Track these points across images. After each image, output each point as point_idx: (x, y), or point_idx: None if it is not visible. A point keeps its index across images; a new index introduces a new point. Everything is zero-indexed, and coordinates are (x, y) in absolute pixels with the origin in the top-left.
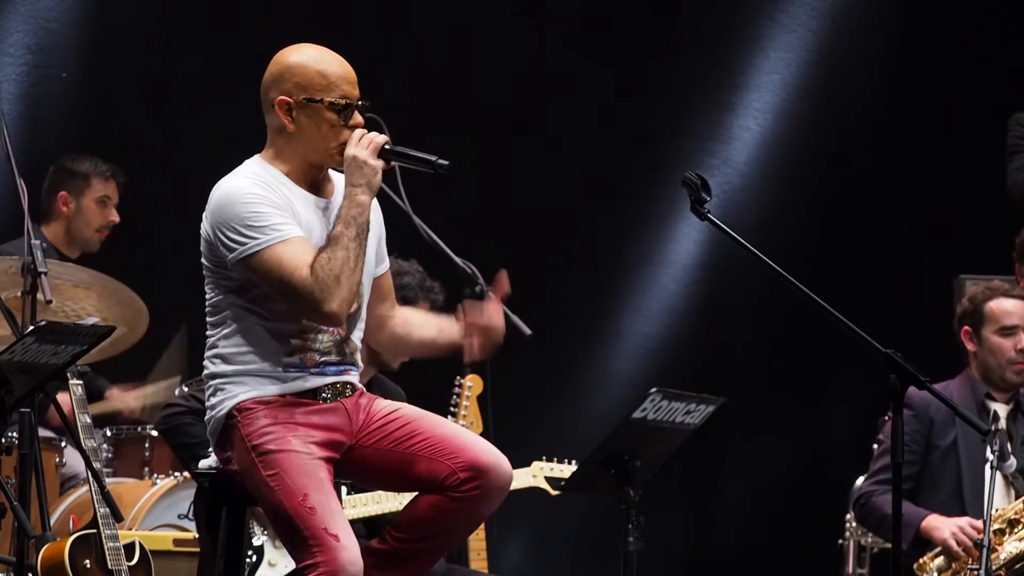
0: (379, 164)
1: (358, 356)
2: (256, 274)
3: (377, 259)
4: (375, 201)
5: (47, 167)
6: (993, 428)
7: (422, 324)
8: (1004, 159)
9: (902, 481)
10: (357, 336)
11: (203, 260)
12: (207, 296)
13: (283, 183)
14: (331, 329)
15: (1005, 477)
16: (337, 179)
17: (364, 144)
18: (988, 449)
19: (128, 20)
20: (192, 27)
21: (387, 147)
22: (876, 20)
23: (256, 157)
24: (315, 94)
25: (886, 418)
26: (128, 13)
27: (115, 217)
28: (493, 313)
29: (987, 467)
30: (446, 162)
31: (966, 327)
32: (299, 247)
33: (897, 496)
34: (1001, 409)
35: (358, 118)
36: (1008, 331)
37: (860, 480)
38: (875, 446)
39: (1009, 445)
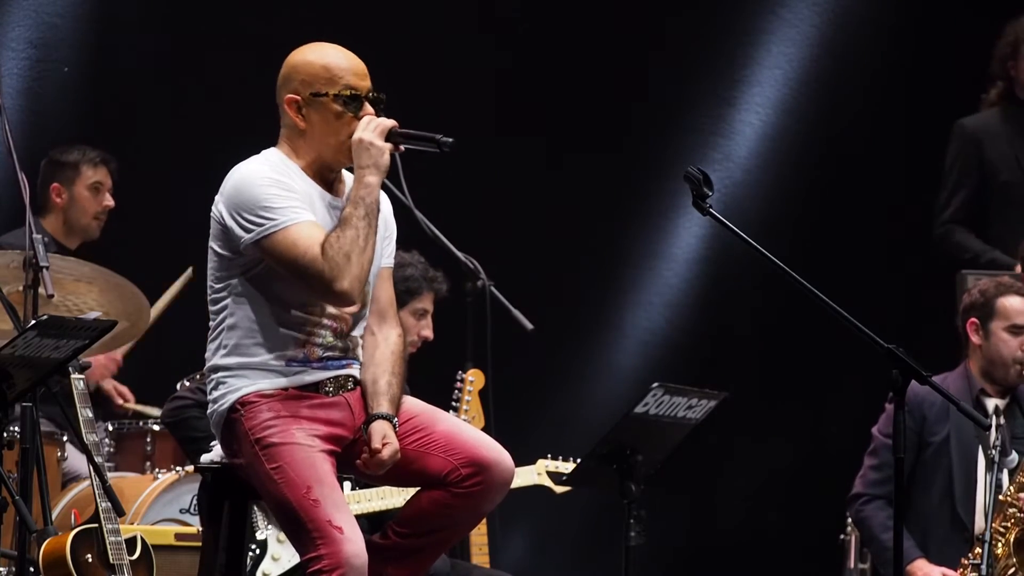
0: (386, 146)
1: (360, 351)
2: (270, 256)
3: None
4: (387, 203)
5: None
6: (993, 423)
7: (374, 364)
8: (943, 172)
9: (891, 478)
10: (359, 331)
11: (211, 246)
12: (210, 288)
13: (299, 175)
14: (333, 323)
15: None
16: (349, 179)
17: (371, 128)
18: (989, 444)
19: (130, 14)
20: (194, 20)
21: (394, 130)
22: (877, 15)
23: (273, 149)
24: (320, 88)
25: (887, 404)
26: (130, 7)
27: (110, 202)
28: (384, 451)
29: (979, 462)
30: (450, 139)
31: (973, 319)
32: (311, 229)
33: (899, 492)
34: (997, 404)
35: (368, 109)
36: (1018, 329)
37: None
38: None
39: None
